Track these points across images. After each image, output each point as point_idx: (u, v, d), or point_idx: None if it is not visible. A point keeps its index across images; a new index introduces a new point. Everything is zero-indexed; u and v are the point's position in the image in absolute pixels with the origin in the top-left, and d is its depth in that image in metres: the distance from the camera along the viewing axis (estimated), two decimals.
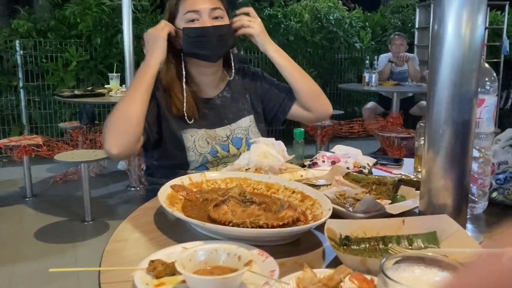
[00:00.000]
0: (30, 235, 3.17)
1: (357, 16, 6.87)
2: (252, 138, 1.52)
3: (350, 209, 0.98)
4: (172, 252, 0.80)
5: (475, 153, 0.97)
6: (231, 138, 1.52)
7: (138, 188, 4.08)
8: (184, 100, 1.47)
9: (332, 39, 6.38)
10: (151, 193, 1.26)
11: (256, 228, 0.88)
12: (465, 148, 0.89)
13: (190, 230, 0.93)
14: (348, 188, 1.11)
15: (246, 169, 1.21)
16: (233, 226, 0.88)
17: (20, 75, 5.14)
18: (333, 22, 6.35)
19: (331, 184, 1.15)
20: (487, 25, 6.26)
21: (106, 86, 4.32)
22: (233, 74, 1.59)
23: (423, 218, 0.89)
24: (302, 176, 1.20)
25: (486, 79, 0.99)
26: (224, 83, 1.60)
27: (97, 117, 4.72)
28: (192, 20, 1.44)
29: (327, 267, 0.80)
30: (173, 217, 0.96)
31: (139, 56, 4.25)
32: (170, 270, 0.72)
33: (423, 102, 5.23)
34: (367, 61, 5.33)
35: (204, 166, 1.47)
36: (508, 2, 6.52)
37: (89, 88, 4.40)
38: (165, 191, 1.01)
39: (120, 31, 4.87)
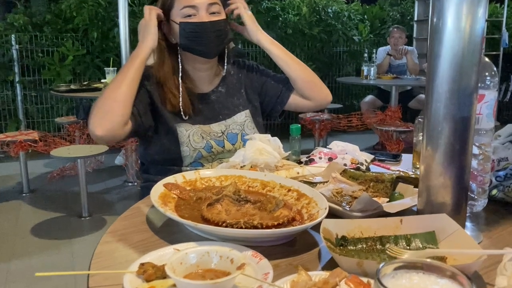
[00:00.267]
0: (26, 231, 3.15)
1: (356, 9, 6.82)
2: (248, 133, 1.49)
3: (347, 207, 0.96)
4: (164, 254, 0.78)
5: (475, 150, 0.95)
6: (226, 133, 1.50)
7: (136, 183, 4.06)
8: (180, 96, 1.44)
9: (330, 32, 6.34)
10: (146, 190, 1.24)
11: (250, 228, 0.85)
12: (464, 145, 0.87)
13: (183, 230, 0.91)
14: (345, 185, 1.09)
15: (241, 167, 1.18)
16: (226, 226, 0.86)
17: (16, 70, 5.10)
18: (331, 15, 6.31)
19: (328, 181, 1.12)
20: (486, 18, 6.22)
21: (102, 80, 4.28)
22: (225, 70, 1.57)
23: (422, 218, 0.87)
24: (298, 173, 1.18)
25: (486, 73, 0.96)
26: (219, 78, 1.57)
27: None
28: (189, 15, 1.41)
29: (323, 268, 0.78)
30: (165, 216, 0.94)
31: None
32: (161, 273, 0.70)
33: (422, 96, 5.21)
34: (365, 54, 5.30)
35: (198, 162, 1.45)
36: None
37: (85, 83, 4.36)
38: (158, 190, 0.99)
39: (116, 24, 4.83)
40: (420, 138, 1.28)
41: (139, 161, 4.01)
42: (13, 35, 5.02)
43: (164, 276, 0.70)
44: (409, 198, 1.01)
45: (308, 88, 1.55)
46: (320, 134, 4.76)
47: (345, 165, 1.24)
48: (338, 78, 5.92)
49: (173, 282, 0.69)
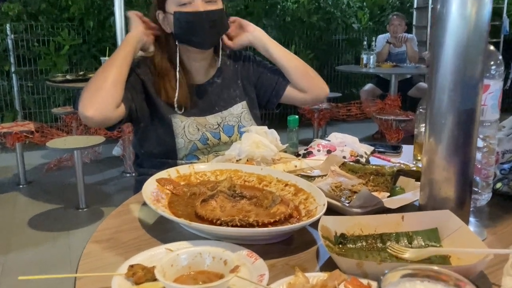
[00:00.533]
0: (23, 223, 3.12)
1: None
2: (245, 125, 1.46)
3: (346, 203, 0.93)
4: (155, 254, 0.74)
5: (479, 143, 0.91)
6: (223, 125, 1.46)
7: (134, 174, 4.02)
8: (177, 89, 1.41)
9: (329, 19, 6.25)
10: (140, 184, 1.19)
11: (245, 226, 0.82)
12: (468, 137, 0.83)
13: (176, 228, 0.87)
14: (344, 179, 1.05)
15: (237, 160, 1.15)
16: (221, 224, 0.83)
17: (12, 60, 5.03)
18: (330, 3, 6.22)
19: (327, 174, 1.09)
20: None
21: None
22: (220, 60, 1.52)
23: (424, 214, 0.83)
24: (296, 166, 1.15)
25: (492, 62, 0.92)
26: (215, 69, 1.53)
27: None
28: (184, 4, 1.36)
29: (322, 268, 0.75)
30: (158, 214, 0.90)
31: None
32: (151, 275, 0.67)
33: (422, 84, 5.16)
34: (365, 42, 5.23)
35: (193, 155, 1.42)
36: None
37: (82, 73, 4.30)
38: (150, 186, 0.95)
39: (112, 13, 4.75)
40: (422, 129, 1.25)
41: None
42: (8, 25, 4.94)
43: (155, 279, 0.67)
44: (411, 192, 0.98)
45: (303, 79, 1.51)
46: (319, 123, 4.72)
47: (344, 157, 1.21)
48: (337, 66, 5.86)
49: (163, 285, 0.66)
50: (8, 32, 4.96)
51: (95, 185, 3.86)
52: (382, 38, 5.41)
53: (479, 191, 0.96)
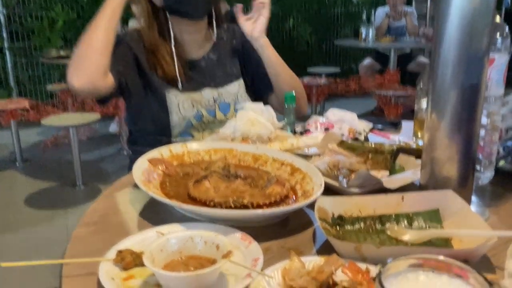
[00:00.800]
0: (20, 202, 3.10)
1: None
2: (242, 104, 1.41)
3: (344, 182, 0.90)
4: (146, 238, 0.72)
5: (483, 119, 0.87)
6: (219, 102, 1.42)
7: (126, 153, 3.99)
8: (171, 63, 1.36)
9: None
10: (133, 163, 1.17)
11: (240, 207, 0.79)
12: (473, 113, 0.79)
13: (169, 209, 0.84)
14: (342, 157, 1.02)
15: (232, 139, 1.11)
16: (214, 205, 0.80)
17: (5, 35, 4.93)
18: None
19: (324, 153, 1.05)
20: None
21: None
22: (215, 34, 1.47)
23: (425, 194, 0.80)
24: (293, 144, 1.11)
25: (497, 34, 0.88)
26: (210, 44, 1.48)
27: None
28: None
29: (318, 251, 0.72)
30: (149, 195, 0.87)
31: (128, 13, 4.05)
32: (140, 260, 0.64)
33: (421, 58, 5.08)
34: (364, 16, 5.13)
35: (188, 133, 1.38)
36: None
37: None
38: (141, 166, 0.92)
39: None
40: (423, 105, 1.21)
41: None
42: None
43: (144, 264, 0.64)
44: (411, 171, 0.95)
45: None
46: (317, 99, 4.66)
47: (342, 135, 1.17)
48: (336, 40, 5.77)
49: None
50: (0, 7, 4.85)
51: (92, 163, 3.83)
52: (381, 11, 5.30)
53: (482, 169, 0.93)
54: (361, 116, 1.33)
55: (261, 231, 0.75)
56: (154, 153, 0.98)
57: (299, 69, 5.03)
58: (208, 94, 1.42)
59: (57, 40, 4.98)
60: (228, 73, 1.46)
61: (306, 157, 1.03)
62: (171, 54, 1.38)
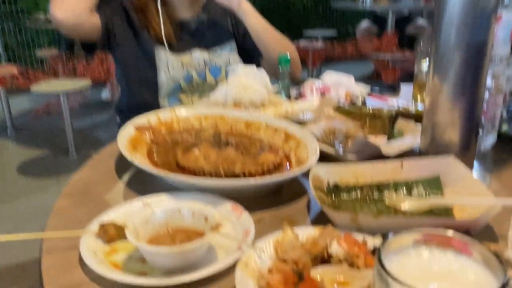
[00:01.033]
0: (12, 171, 3.06)
1: None
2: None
3: (340, 149, 0.86)
4: (131, 209, 0.68)
5: (488, 81, 0.83)
6: (209, 65, 1.36)
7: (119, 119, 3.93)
8: (161, 23, 1.30)
9: None
10: None
11: (231, 176, 0.75)
12: (478, 75, 0.75)
13: (156, 179, 0.80)
14: (339, 122, 0.97)
15: (223, 105, 1.06)
16: (204, 174, 0.76)
17: None
18: None
19: (320, 118, 1.01)
20: None
21: None
22: None
23: (425, 160, 0.76)
24: (287, 110, 1.06)
25: None
26: (200, 4, 1.41)
27: (76, 43, 4.44)
28: None
29: (313, 221, 0.69)
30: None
31: None
32: (124, 233, 0.60)
33: (420, 21, 4.96)
34: None
35: (176, 97, 1.33)
36: None
37: None
38: (127, 133, 0.87)
39: None
40: (423, 67, 1.16)
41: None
42: None
43: None
44: (410, 136, 0.90)
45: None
46: (314, 63, 4.58)
47: (339, 100, 1.13)
48: (333, 2, 5.62)
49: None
50: None
51: (85, 130, 3.78)
52: None
53: (485, 133, 0.89)
54: (358, 80, 1.28)
55: (253, 201, 0.71)
56: (141, 119, 0.93)
57: (295, 32, 4.92)
58: (198, 56, 1.36)
59: (45, 4, 4.82)
60: (219, 35, 1.40)
61: (301, 123, 0.99)
62: (159, 14, 1.32)
